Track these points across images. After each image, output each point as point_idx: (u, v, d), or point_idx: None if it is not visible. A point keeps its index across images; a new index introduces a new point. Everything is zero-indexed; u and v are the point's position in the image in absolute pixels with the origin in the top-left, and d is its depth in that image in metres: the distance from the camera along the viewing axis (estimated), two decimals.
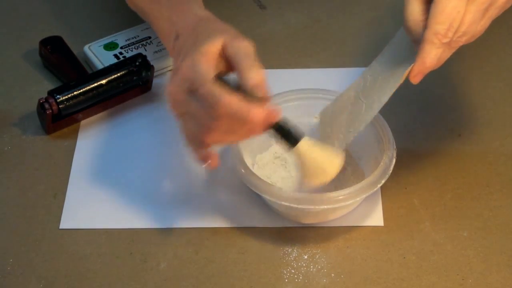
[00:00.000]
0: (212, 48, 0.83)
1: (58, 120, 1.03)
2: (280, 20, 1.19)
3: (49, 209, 0.96)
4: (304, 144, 0.83)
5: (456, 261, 0.90)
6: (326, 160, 0.85)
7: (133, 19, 1.17)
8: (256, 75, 0.81)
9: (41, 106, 1.01)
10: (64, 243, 0.93)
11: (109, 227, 0.94)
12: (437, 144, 1.01)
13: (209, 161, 0.86)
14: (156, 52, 1.11)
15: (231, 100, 0.79)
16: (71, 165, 1.00)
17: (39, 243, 0.93)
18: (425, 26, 0.81)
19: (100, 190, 0.98)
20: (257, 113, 0.80)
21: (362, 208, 0.94)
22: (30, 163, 1.01)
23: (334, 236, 0.92)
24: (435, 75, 1.08)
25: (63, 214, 0.95)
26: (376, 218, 0.94)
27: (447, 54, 0.83)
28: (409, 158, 0.99)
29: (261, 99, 0.80)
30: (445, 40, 0.81)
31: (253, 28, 1.17)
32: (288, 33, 1.17)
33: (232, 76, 0.83)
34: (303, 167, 0.85)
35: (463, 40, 0.82)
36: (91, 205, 0.96)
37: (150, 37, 1.13)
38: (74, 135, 1.04)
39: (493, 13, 0.83)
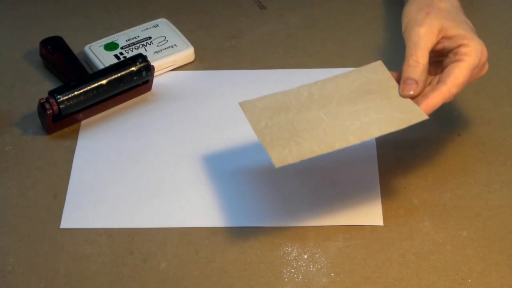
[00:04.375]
0: None
1: (58, 120, 1.03)
2: (280, 20, 1.19)
3: (49, 209, 0.96)
4: None
5: (455, 261, 0.90)
6: None
7: (134, 19, 1.17)
8: None
9: (41, 106, 1.01)
10: (64, 243, 0.93)
11: (109, 227, 0.94)
12: (437, 144, 1.01)
13: None
14: (156, 52, 1.11)
15: None
16: (71, 165, 1.00)
17: (39, 243, 0.93)
18: (440, 80, 0.90)
19: (100, 190, 0.98)
20: None
21: (362, 208, 0.95)
22: (30, 163, 1.01)
23: (334, 236, 0.92)
24: None
25: (63, 214, 0.95)
26: (376, 218, 0.94)
27: None
28: (409, 158, 1.00)
29: None
30: (449, 100, 0.90)
31: (253, 28, 1.18)
32: (288, 33, 1.17)
33: None
34: None
35: None
36: (91, 205, 0.96)
37: (150, 37, 1.13)
38: (75, 135, 1.04)
39: None
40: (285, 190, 0.97)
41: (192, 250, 0.92)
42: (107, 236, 0.93)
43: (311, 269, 0.90)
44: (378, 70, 0.96)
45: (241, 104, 0.93)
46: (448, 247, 0.91)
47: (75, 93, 1.02)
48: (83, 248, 0.92)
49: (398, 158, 0.99)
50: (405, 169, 0.98)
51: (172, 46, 1.12)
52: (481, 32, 1.15)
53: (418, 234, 0.92)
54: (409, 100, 0.91)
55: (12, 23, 1.20)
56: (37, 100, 1.02)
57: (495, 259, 0.90)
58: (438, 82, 0.91)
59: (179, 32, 1.14)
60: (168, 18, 1.16)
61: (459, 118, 1.04)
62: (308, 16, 1.19)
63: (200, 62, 1.13)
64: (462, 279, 0.88)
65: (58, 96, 1.01)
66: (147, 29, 1.14)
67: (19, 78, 1.11)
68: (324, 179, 0.97)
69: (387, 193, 0.96)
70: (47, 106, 1.01)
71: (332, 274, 0.89)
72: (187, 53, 1.12)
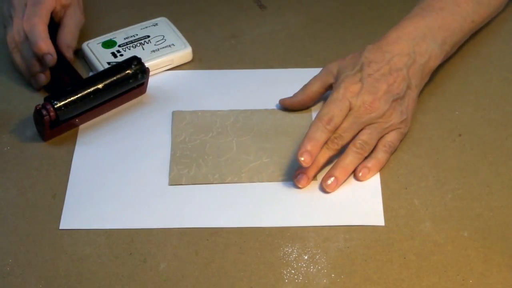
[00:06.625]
0: None
1: (55, 126, 1.02)
2: (280, 20, 1.19)
3: (48, 209, 0.96)
4: None
5: (456, 262, 0.90)
6: None
7: (132, 18, 1.17)
8: None
9: (38, 112, 1.00)
10: (63, 243, 0.92)
11: (108, 227, 0.94)
12: (437, 144, 1.01)
13: None
14: (153, 51, 1.11)
15: None
16: (70, 165, 1.00)
17: (39, 243, 0.92)
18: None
19: (99, 191, 0.97)
20: None
21: (363, 208, 0.94)
22: (29, 164, 1.01)
23: (334, 236, 0.92)
24: (435, 75, 1.08)
25: (62, 215, 0.95)
26: (376, 218, 0.94)
27: (327, 153, 0.96)
28: (409, 158, 0.99)
29: None
30: (327, 127, 0.94)
31: (253, 28, 1.17)
32: (288, 33, 1.17)
33: None
34: None
35: (339, 144, 0.96)
36: (91, 206, 0.96)
37: (148, 36, 1.13)
38: (73, 137, 1.04)
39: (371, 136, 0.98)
40: (285, 190, 0.97)
41: (192, 251, 0.91)
42: (106, 236, 0.93)
43: (311, 270, 0.89)
44: (305, 116, 1.02)
45: (174, 112, 1.04)
46: (449, 247, 0.91)
47: (72, 98, 1.01)
48: (83, 248, 0.92)
49: (399, 158, 0.99)
50: (406, 169, 0.98)
51: (169, 46, 1.12)
52: (482, 31, 1.15)
53: (419, 234, 0.92)
54: None
55: None
56: (36, 100, 1.01)
57: (497, 259, 0.90)
58: None
59: (178, 32, 1.14)
60: (168, 17, 1.16)
61: (460, 117, 1.04)
62: (308, 16, 1.19)
63: (200, 61, 1.13)
64: (463, 279, 0.88)
65: (55, 102, 1.00)
66: (146, 27, 1.14)
67: (18, 78, 1.11)
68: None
69: (388, 193, 0.96)
70: (44, 112, 0.99)
71: (333, 275, 0.89)
72: (184, 53, 1.12)
